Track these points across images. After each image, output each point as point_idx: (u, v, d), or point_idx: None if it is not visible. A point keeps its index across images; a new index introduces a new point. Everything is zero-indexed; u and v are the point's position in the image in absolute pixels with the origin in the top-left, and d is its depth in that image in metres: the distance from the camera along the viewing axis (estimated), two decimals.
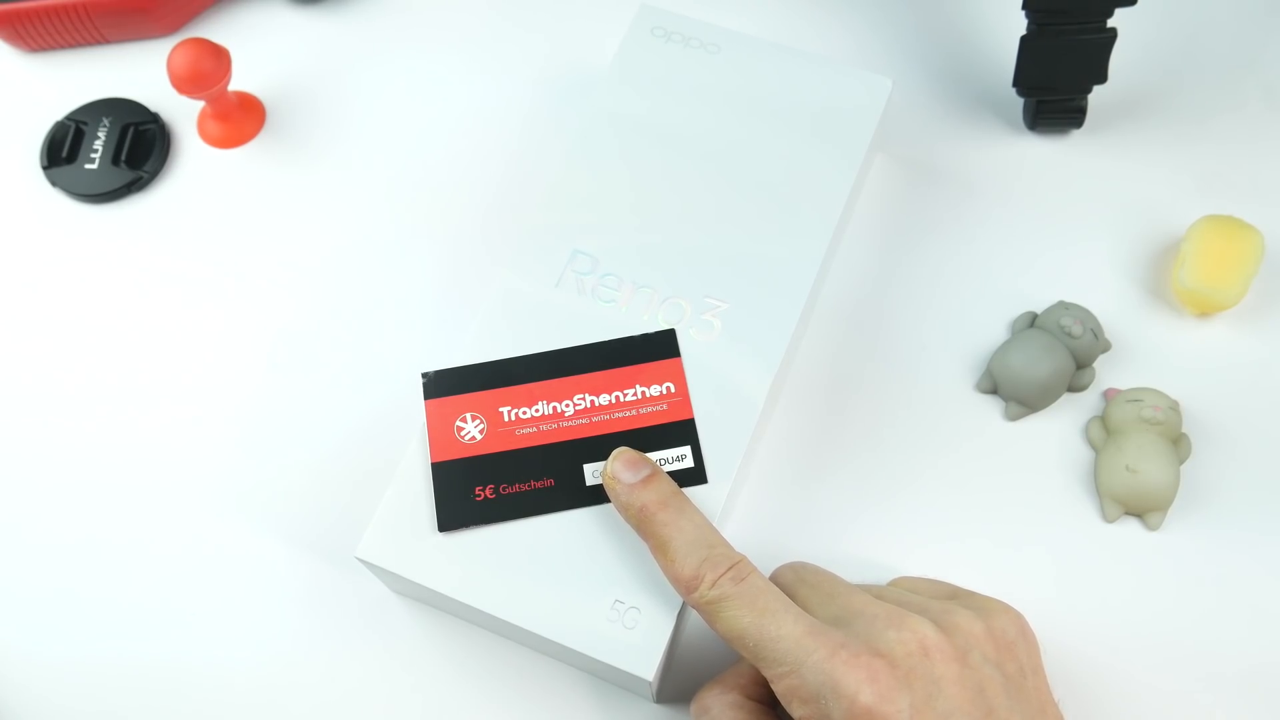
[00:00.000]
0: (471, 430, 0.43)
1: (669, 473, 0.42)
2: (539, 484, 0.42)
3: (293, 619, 0.46)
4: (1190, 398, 0.49)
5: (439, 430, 0.43)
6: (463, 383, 0.44)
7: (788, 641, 0.36)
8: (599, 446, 0.43)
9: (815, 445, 0.48)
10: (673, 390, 0.43)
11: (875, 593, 0.40)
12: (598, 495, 0.42)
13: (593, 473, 0.42)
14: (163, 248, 0.53)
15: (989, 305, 0.51)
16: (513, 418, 0.43)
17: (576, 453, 0.43)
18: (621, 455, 0.41)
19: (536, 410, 0.43)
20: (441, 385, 0.44)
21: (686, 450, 0.42)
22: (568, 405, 0.43)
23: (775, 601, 0.37)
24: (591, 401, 0.43)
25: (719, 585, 0.37)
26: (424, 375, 0.44)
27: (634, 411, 0.43)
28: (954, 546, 0.46)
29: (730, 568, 0.38)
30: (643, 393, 0.43)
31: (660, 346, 0.44)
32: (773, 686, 0.37)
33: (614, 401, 0.43)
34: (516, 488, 0.42)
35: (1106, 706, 0.44)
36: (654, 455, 0.42)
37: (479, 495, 0.42)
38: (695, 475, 0.42)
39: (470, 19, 0.58)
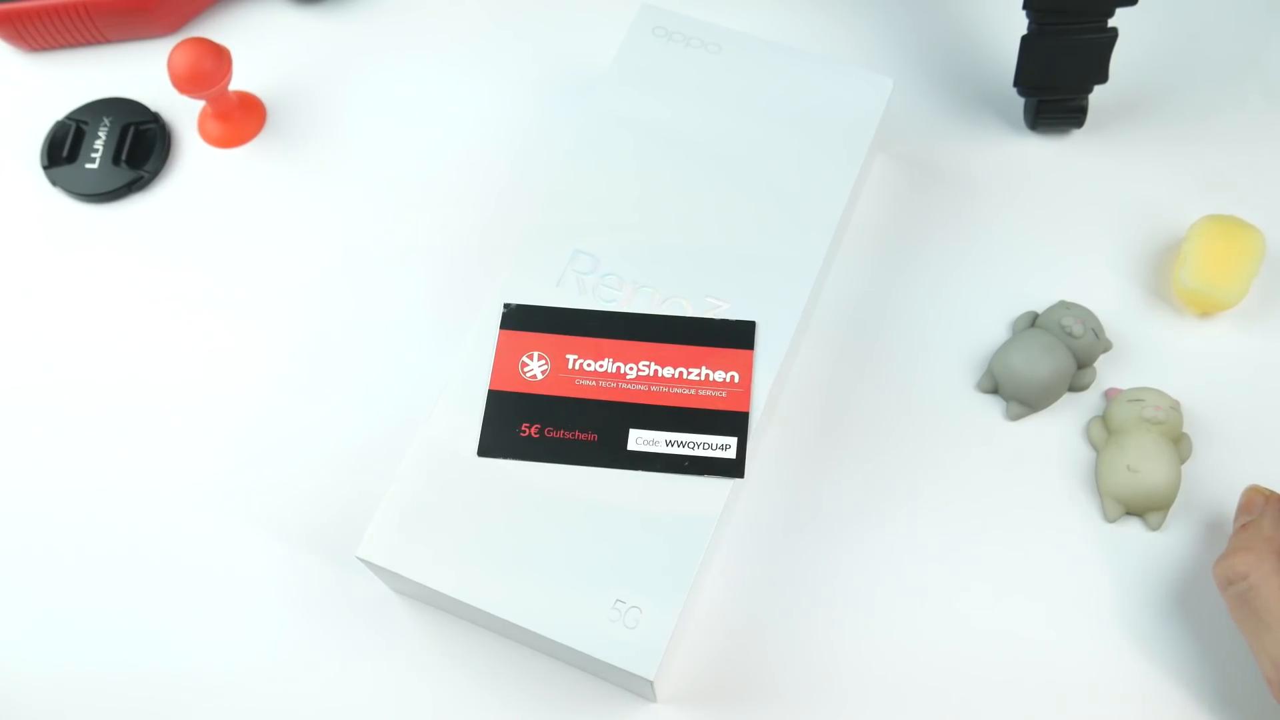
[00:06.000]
0: (535, 369, 0.44)
1: (708, 460, 0.42)
2: (583, 436, 0.43)
3: (294, 619, 0.46)
4: (1191, 398, 0.49)
5: (504, 361, 0.44)
6: (539, 321, 0.45)
7: None
8: (650, 415, 0.43)
9: (816, 444, 0.48)
10: (736, 380, 0.44)
11: None
12: (635, 461, 0.42)
13: (637, 438, 0.43)
14: (163, 247, 0.53)
15: (990, 305, 0.51)
16: (576, 367, 0.44)
17: (626, 416, 0.43)
18: None
19: (601, 366, 0.44)
20: (519, 319, 0.45)
21: (732, 441, 0.43)
22: (631, 369, 0.44)
23: None
24: (655, 371, 0.44)
25: None
26: (505, 305, 0.45)
27: (693, 391, 0.44)
28: (954, 544, 0.46)
29: None
30: (707, 375, 0.44)
31: (737, 335, 0.45)
32: None
33: (677, 377, 0.44)
34: (561, 434, 0.43)
35: (1106, 706, 0.44)
36: (698, 440, 0.43)
37: (524, 432, 0.43)
38: (734, 468, 0.43)
39: (472, 18, 0.58)
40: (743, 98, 0.49)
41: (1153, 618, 0.45)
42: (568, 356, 0.44)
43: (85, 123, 0.55)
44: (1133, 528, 0.47)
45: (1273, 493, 0.44)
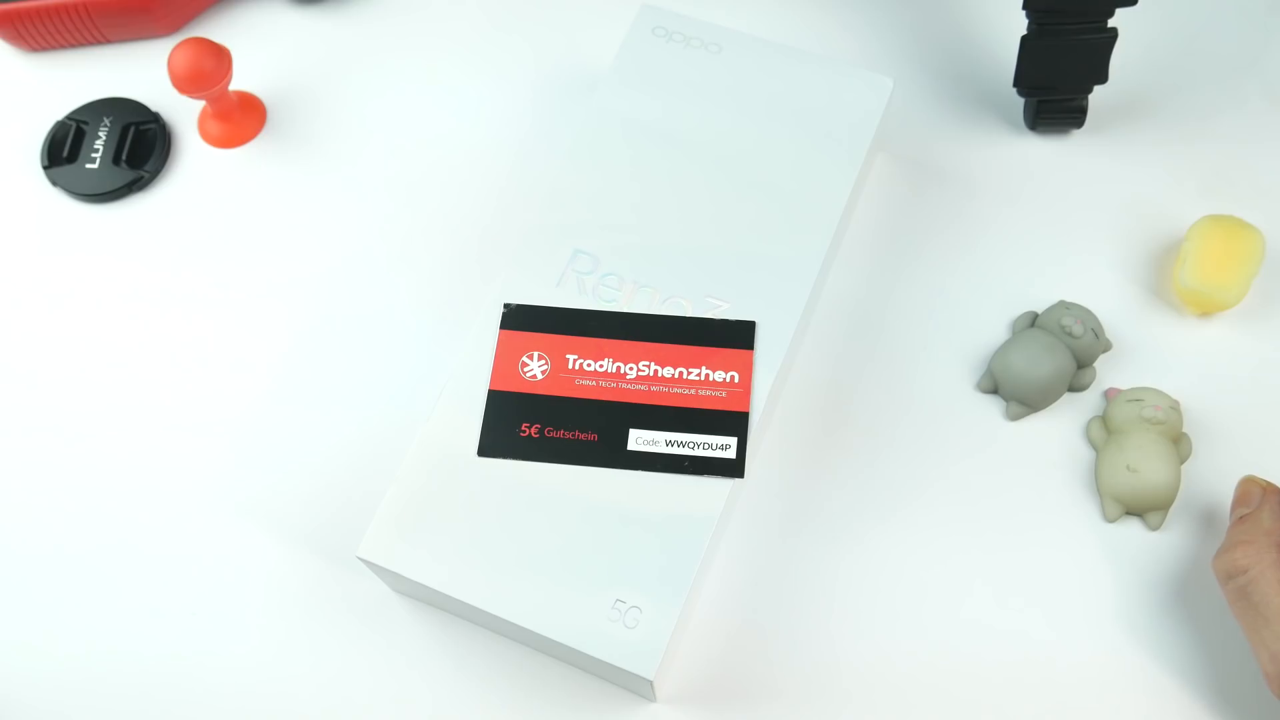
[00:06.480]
0: (535, 369, 0.44)
1: (708, 460, 0.42)
2: (583, 436, 0.43)
3: (295, 619, 0.46)
4: (1191, 397, 0.49)
5: (504, 361, 0.44)
6: (539, 321, 0.45)
7: None
8: (650, 415, 0.43)
9: (816, 444, 0.48)
10: (736, 380, 0.44)
11: None
12: (635, 461, 0.42)
13: (637, 438, 0.43)
14: (163, 247, 0.53)
15: (990, 305, 0.51)
16: (576, 367, 0.44)
17: (626, 415, 0.43)
18: None
19: (601, 366, 0.44)
20: (519, 319, 0.45)
21: (732, 441, 0.43)
22: (631, 369, 0.44)
23: None
24: (655, 371, 0.44)
25: None
26: (505, 305, 0.45)
27: (693, 391, 0.44)
28: (954, 544, 0.46)
29: None
30: (707, 375, 0.44)
31: (737, 335, 0.45)
32: None
33: (677, 376, 0.44)
34: (561, 434, 0.43)
35: (1107, 705, 0.44)
36: (698, 440, 0.43)
37: (524, 431, 0.43)
38: (734, 468, 0.43)
39: (472, 18, 0.58)
40: (743, 98, 0.49)
41: (1153, 617, 0.45)
42: (568, 356, 0.44)
43: (85, 123, 0.55)
44: (1133, 528, 0.47)
45: (1269, 484, 0.44)
